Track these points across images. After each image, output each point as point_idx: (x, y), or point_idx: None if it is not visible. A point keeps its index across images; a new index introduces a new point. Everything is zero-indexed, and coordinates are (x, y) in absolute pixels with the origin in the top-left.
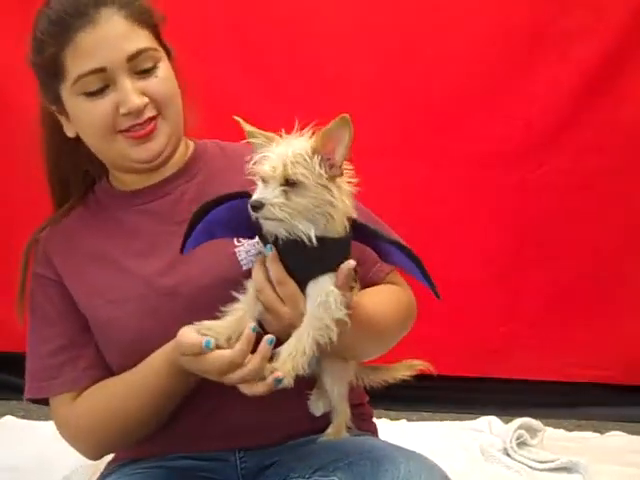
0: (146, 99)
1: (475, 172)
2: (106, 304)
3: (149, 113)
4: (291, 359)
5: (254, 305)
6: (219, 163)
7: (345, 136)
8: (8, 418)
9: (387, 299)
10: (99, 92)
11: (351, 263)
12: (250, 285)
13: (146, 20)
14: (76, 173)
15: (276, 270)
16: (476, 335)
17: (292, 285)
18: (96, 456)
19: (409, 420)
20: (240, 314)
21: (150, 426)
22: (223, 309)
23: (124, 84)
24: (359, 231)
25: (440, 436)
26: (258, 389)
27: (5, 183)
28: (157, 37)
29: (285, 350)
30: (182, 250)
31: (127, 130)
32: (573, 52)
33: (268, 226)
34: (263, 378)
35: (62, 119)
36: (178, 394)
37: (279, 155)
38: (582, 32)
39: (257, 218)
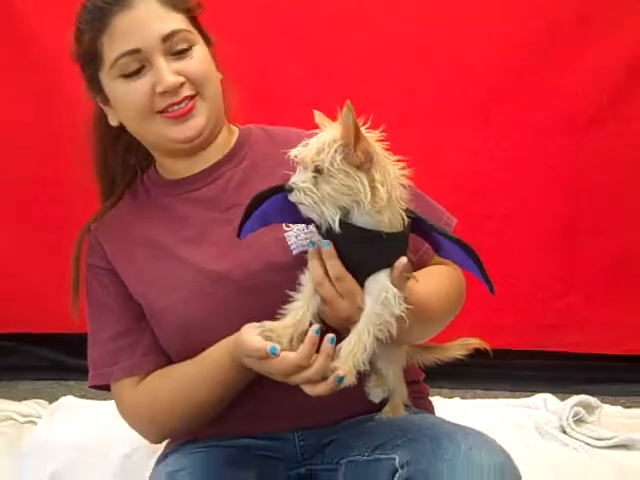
0: (182, 78)
1: (528, 142)
2: (159, 292)
3: (186, 92)
4: (352, 357)
5: (312, 300)
6: (265, 148)
7: (349, 123)
8: (68, 398)
9: (438, 281)
10: (136, 73)
11: (403, 260)
12: (305, 281)
13: (180, 5)
14: (122, 164)
15: (334, 265)
16: (531, 309)
17: (350, 280)
18: (158, 440)
19: (463, 398)
20: (300, 314)
21: (211, 413)
22: (281, 310)
23: (159, 64)
24: (414, 223)
25: (495, 414)
26: (321, 389)
27: (58, 177)
28: (193, 23)
29: (345, 348)
30: (239, 235)
31: (165, 110)
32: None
33: (302, 210)
34: (325, 377)
35: (106, 109)
36: (239, 385)
37: (316, 142)
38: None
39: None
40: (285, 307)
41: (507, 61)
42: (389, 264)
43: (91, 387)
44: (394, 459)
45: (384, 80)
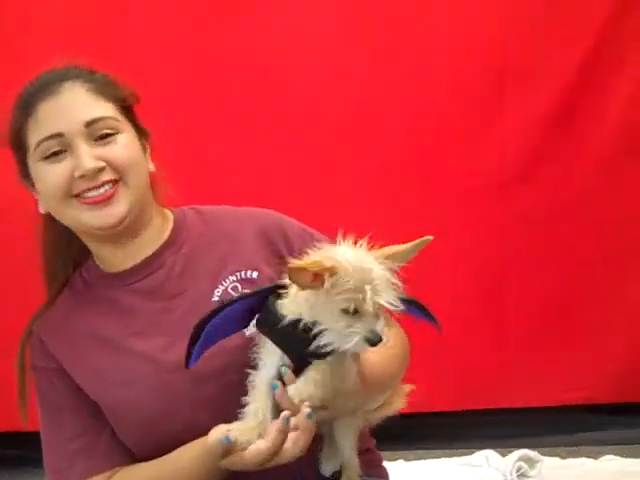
0: (102, 163)
1: (456, 205)
2: (113, 387)
3: (106, 177)
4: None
5: (267, 400)
6: (200, 230)
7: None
8: None
9: (388, 346)
10: (55, 155)
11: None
12: (257, 380)
13: (110, 93)
14: (62, 259)
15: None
16: (462, 368)
17: None
18: None
19: (407, 460)
20: (260, 415)
21: None
22: (240, 411)
23: (79, 149)
24: None
25: (439, 474)
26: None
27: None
28: (124, 112)
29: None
30: (186, 365)
31: (81, 195)
32: (541, 87)
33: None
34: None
35: (35, 194)
36: None
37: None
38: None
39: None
40: (241, 410)
41: (427, 126)
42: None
43: None
44: None
45: None
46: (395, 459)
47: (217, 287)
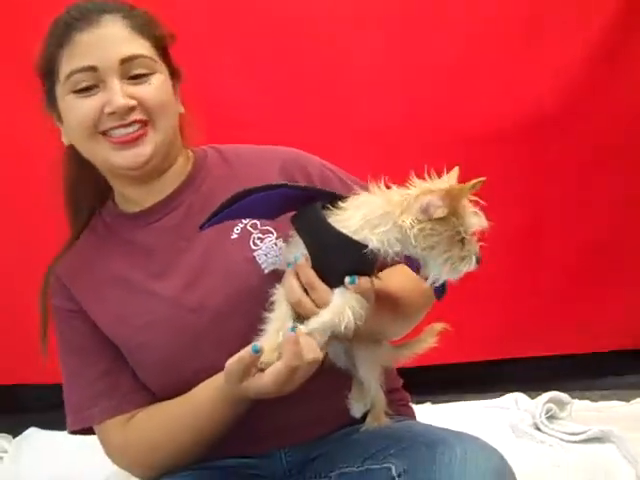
0: (133, 102)
1: (483, 149)
2: (134, 330)
3: (136, 116)
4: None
5: (288, 318)
6: (221, 170)
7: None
8: (32, 430)
9: (411, 277)
10: (88, 90)
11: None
12: (279, 299)
13: (148, 31)
14: (85, 194)
15: (307, 275)
16: (495, 317)
17: (324, 289)
18: (149, 479)
19: (434, 403)
20: (280, 336)
21: (204, 449)
22: (260, 331)
23: (112, 84)
24: None
25: (468, 416)
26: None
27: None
28: (161, 52)
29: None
30: (201, 227)
31: (108, 133)
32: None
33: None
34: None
35: (60, 125)
36: (232, 420)
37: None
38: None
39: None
40: (262, 328)
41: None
42: (363, 271)
43: (72, 433)
44: (389, 468)
45: None
46: (423, 402)
47: (236, 225)
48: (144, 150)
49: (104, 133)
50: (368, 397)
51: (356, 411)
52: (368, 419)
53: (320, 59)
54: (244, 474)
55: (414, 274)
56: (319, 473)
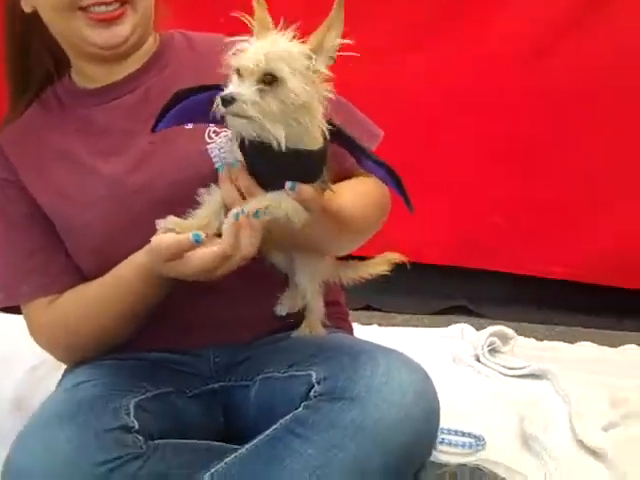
0: None
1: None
2: (74, 206)
3: None
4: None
5: (219, 213)
6: (188, 57)
7: (340, 23)
8: None
9: (362, 192)
10: None
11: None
12: (211, 194)
13: None
14: (38, 66)
15: (244, 180)
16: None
17: (262, 193)
18: (71, 362)
19: (380, 325)
20: (206, 221)
21: (125, 333)
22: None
23: None
24: (337, 136)
25: (412, 341)
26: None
27: None
28: None
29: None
30: (154, 129)
31: (88, 9)
32: None
33: (235, 124)
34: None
35: None
36: (152, 301)
37: (261, 49)
38: None
39: (224, 115)
40: (190, 213)
41: None
42: (305, 180)
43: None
44: (310, 375)
45: None
46: (370, 323)
47: None
48: (122, 30)
49: (84, 9)
50: (299, 300)
51: (280, 309)
52: (302, 326)
53: None
54: (169, 368)
55: (374, 185)
56: (245, 376)
